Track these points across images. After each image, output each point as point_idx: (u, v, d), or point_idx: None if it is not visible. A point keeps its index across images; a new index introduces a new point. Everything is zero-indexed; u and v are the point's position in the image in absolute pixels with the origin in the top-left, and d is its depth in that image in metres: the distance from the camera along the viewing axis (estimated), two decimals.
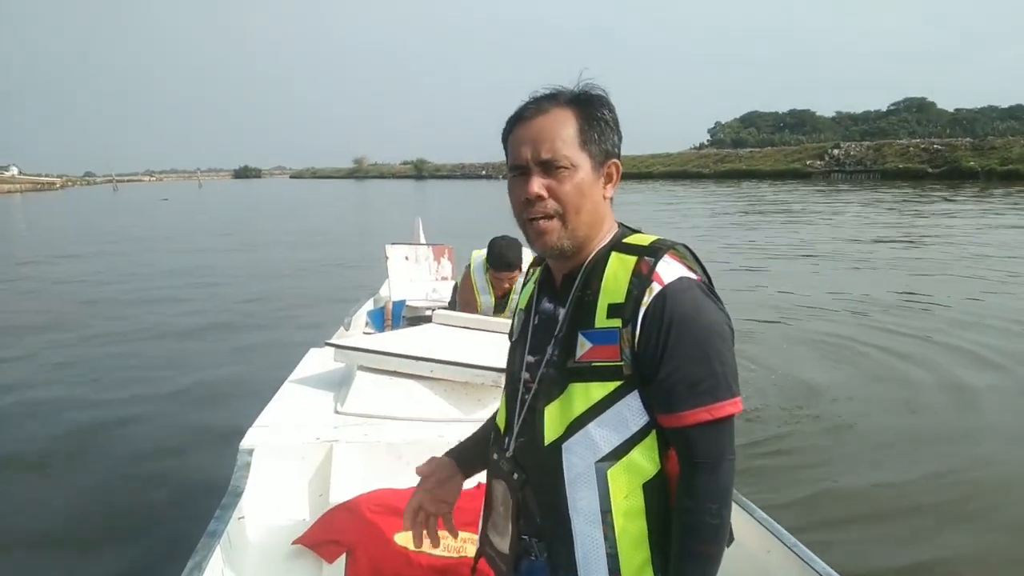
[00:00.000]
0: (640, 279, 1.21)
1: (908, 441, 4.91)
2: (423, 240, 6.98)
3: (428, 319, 4.02)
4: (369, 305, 5.87)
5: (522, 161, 1.28)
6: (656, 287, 1.20)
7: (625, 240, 1.30)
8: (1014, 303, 8.99)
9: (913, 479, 4.38)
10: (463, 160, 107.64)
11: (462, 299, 4.49)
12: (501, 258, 4.18)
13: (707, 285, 1.26)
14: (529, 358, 1.36)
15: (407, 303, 5.29)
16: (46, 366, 7.40)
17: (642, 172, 64.18)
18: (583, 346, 1.25)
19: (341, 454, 2.58)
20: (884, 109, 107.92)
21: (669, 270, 1.22)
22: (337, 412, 2.91)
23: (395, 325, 5.09)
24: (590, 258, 1.30)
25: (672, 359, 1.18)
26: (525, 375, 1.36)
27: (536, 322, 1.38)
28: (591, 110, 1.30)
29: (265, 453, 2.55)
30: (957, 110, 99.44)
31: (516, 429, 1.36)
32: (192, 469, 4.57)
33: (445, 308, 4.76)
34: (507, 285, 4.29)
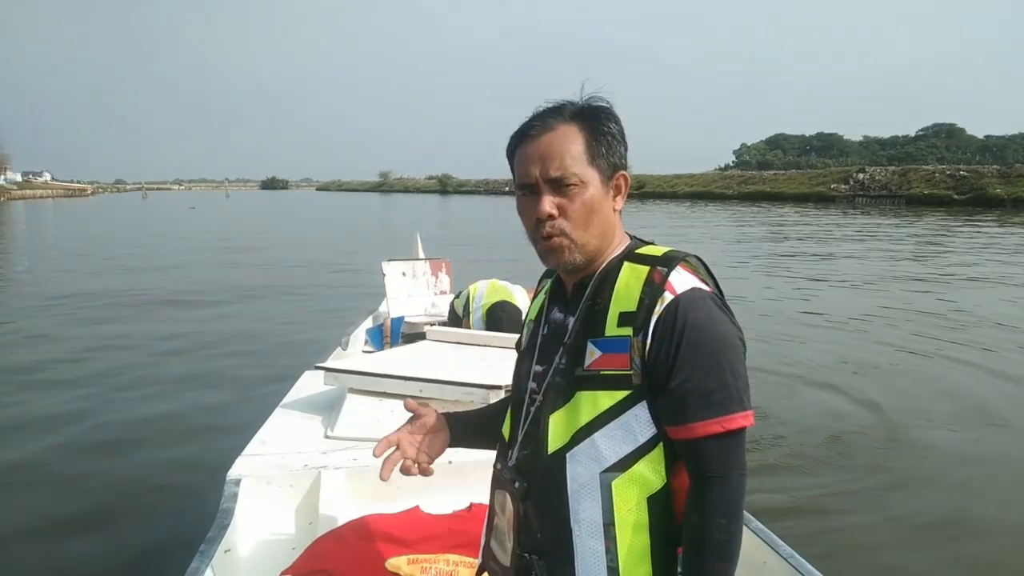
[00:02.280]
0: (652, 288, 1.21)
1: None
2: (422, 255, 6.89)
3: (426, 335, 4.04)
4: (368, 323, 5.84)
5: (531, 180, 1.27)
6: (668, 296, 1.19)
7: (638, 251, 1.29)
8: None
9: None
10: (487, 176, 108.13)
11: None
12: (498, 325, 4.29)
13: (719, 298, 1.25)
14: (537, 368, 1.35)
15: (406, 319, 5.30)
16: (23, 384, 6.99)
17: (666, 191, 64.09)
18: (592, 354, 1.24)
19: (329, 480, 2.52)
20: (912, 134, 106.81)
21: (682, 280, 1.21)
22: (327, 437, 2.86)
23: (394, 342, 5.09)
24: (602, 268, 1.30)
25: (684, 369, 1.17)
26: (532, 385, 1.35)
27: (545, 332, 1.37)
28: (597, 124, 1.29)
29: (253, 482, 2.49)
30: (987, 136, 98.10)
31: (520, 440, 1.35)
32: (180, 502, 4.33)
33: (444, 322, 4.86)
34: None
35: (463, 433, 1.57)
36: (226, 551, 2.18)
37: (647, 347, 1.19)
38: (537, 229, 1.28)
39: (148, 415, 6.05)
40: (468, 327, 4.45)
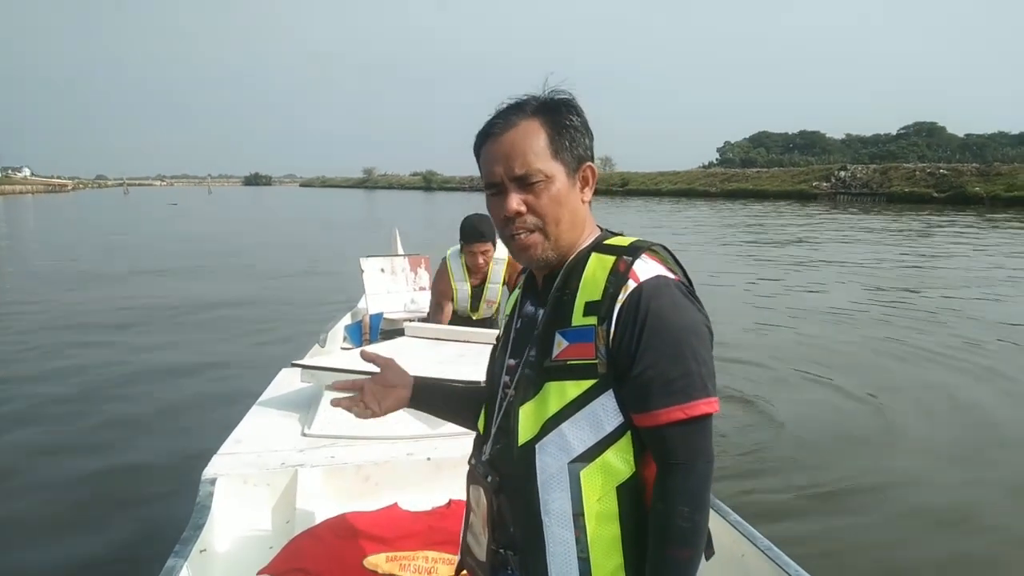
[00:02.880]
0: (617, 277, 1.21)
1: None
2: (400, 251, 6.88)
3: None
4: (347, 320, 5.85)
5: (496, 179, 1.29)
6: (632, 284, 1.20)
7: (606, 242, 1.30)
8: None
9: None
10: (472, 173, 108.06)
11: (438, 289, 4.51)
12: (472, 228, 4.23)
13: (686, 286, 1.26)
14: (510, 361, 1.36)
15: (385, 316, 5.28)
16: None
17: (650, 189, 64.11)
18: (559, 344, 1.25)
19: (306, 479, 2.52)
20: (894, 133, 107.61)
21: (646, 268, 1.22)
22: (304, 435, 2.85)
23: (373, 338, 5.08)
24: (571, 259, 1.30)
25: (647, 356, 1.17)
26: (505, 379, 1.36)
27: (519, 325, 1.39)
28: (559, 118, 1.29)
29: (229, 481, 2.47)
30: (967, 135, 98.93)
31: (493, 434, 1.36)
32: (156, 502, 4.28)
33: (423, 318, 4.82)
34: (481, 261, 4.30)
35: (425, 397, 1.63)
36: (202, 551, 2.17)
37: (611, 335, 1.20)
38: (506, 227, 1.30)
39: (121, 414, 5.97)
40: (448, 274, 4.43)
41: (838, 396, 6.35)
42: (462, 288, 4.47)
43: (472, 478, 1.43)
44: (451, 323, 4.37)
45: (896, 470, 4.79)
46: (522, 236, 1.28)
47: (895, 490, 4.50)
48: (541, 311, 1.33)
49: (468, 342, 3.53)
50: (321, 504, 2.46)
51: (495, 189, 1.30)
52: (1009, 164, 44.55)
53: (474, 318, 4.60)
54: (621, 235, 1.36)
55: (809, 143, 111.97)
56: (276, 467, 2.57)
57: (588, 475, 1.21)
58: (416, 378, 1.65)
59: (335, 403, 1.66)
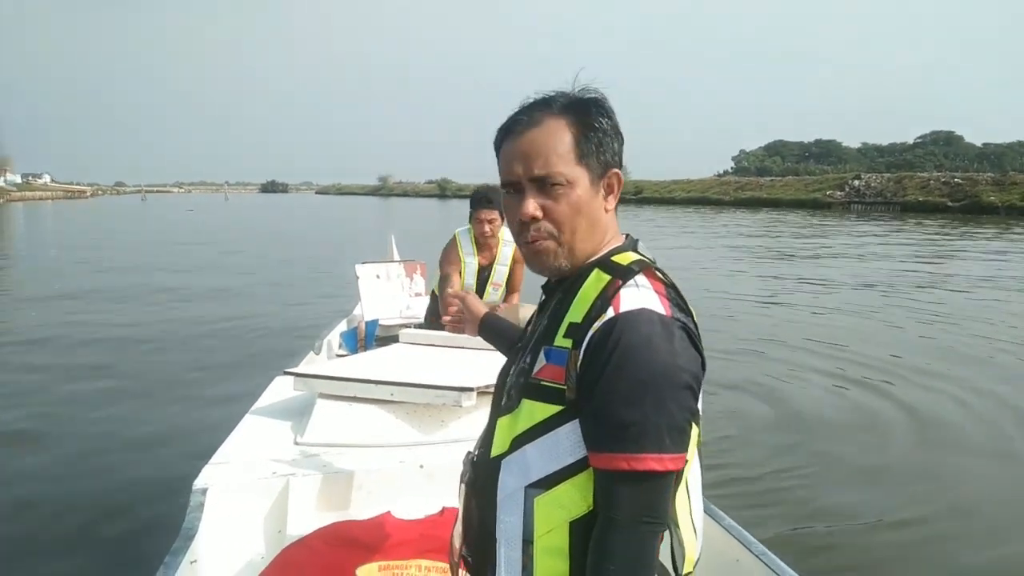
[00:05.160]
0: (603, 301, 1.13)
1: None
2: (397, 257, 6.74)
3: None
4: (343, 326, 5.78)
5: (514, 177, 1.21)
6: (610, 312, 1.10)
7: (613, 258, 1.21)
8: None
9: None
10: (487, 181, 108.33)
11: (447, 260, 4.41)
12: (480, 195, 4.19)
13: (682, 325, 1.13)
14: (512, 366, 1.30)
15: (380, 322, 5.24)
16: None
17: (664, 197, 64.20)
18: (540, 362, 1.18)
19: (298, 488, 2.48)
20: (911, 142, 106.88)
21: (633, 297, 1.12)
22: (296, 443, 2.80)
23: (368, 345, 5.03)
24: (577, 271, 1.22)
25: (604, 392, 1.07)
26: (508, 382, 1.30)
27: (529, 331, 1.34)
28: (587, 119, 1.21)
29: (220, 491, 2.42)
30: (985, 144, 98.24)
31: (482, 435, 1.34)
32: (146, 512, 4.20)
33: (419, 324, 4.78)
34: (487, 229, 4.24)
35: (491, 328, 1.83)
36: (192, 562, 2.15)
37: (579, 362, 1.12)
38: (521, 232, 1.22)
39: (113, 423, 5.88)
40: (457, 247, 4.38)
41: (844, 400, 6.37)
42: (470, 262, 4.38)
43: (462, 476, 1.39)
44: None
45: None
46: (536, 243, 1.21)
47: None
48: (544, 321, 1.26)
49: (463, 348, 3.48)
50: (313, 513, 2.45)
51: (512, 188, 1.23)
52: None
53: None
54: (635, 252, 1.25)
55: (825, 152, 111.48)
56: (268, 476, 2.53)
57: (542, 504, 1.14)
58: (485, 315, 1.85)
59: (446, 321, 1.96)
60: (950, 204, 40.31)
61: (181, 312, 11.10)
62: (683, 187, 66.97)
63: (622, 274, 1.16)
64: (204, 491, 2.41)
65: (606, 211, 1.24)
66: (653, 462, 1.06)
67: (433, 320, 4.66)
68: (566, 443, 1.13)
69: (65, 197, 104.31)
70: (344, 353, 5.02)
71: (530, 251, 1.23)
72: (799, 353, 8.31)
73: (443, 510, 2.46)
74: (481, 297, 4.51)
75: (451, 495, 2.47)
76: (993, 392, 6.80)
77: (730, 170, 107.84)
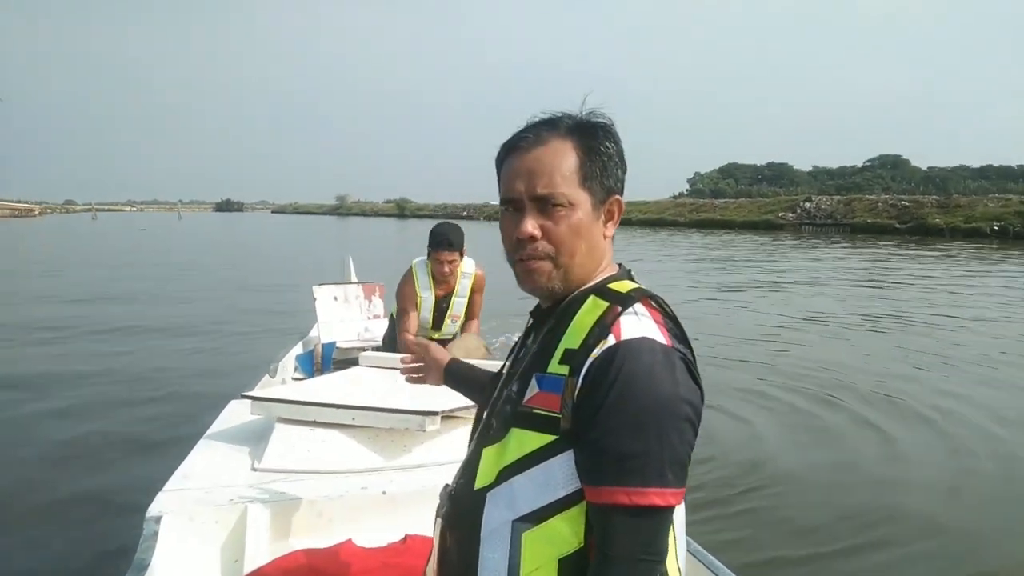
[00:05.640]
0: (602, 328, 1.11)
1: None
2: (354, 278, 6.72)
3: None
4: (298, 349, 5.67)
5: (515, 195, 1.20)
6: (611, 340, 1.08)
7: (610, 285, 1.20)
8: None
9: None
10: (445, 201, 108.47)
11: (403, 294, 4.40)
12: (441, 236, 4.16)
13: (681, 355, 1.12)
14: (496, 394, 1.27)
15: (337, 345, 5.19)
16: None
17: (622, 218, 64.15)
18: (532, 389, 1.15)
19: (256, 515, 2.42)
20: (860, 165, 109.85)
21: (634, 326, 1.10)
22: (254, 469, 2.75)
23: (326, 368, 4.98)
24: (570, 298, 1.21)
25: (604, 423, 1.04)
26: (487, 411, 1.28)
27: (519, 355, 1.30)
28: (594, 142, 1.20)
29: (174, 519, 2.37)
30: (930, 168, 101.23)
31: (463, 465, 1.29)
32: (97, 542, 4.04)
33: (377, 347, 4.75)
34: (447, 270, 4.22)
35: (457, 376, 1.82)
36: None
37: (577, 390, 1.09)
38: (516, 250, 1.21)
39: (59, 447, 5.64)
40: (413, 280, 4.37)
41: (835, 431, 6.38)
42: (427, 297, 4.36)
43: (438, 509, 1.35)
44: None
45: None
46: (531, 263, 1.20)
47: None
48: (533, 347, 1.23)
49: None
50: (272, 541, 2.40)
51: (512, 206, 1.21)
52: (968, 196, 45.69)
53: (435, 337, 4.44)
54: (630, 280, 1.25)
55: (777, 175, 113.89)
56: (224, 503, 2.47)
57: (530, 539, 1.10)
58: (449, 361, 1.85)
59: (405, 371, 1.97)
60: (898, 226, 41.47)
61: (130, 333, 10.76)
62: (639, 208, 67.71)
63: (621, 302, 1.15)
64: (158, 519, 2.35)
65: (605, 237, 1.24)
66: (656, 497, 1.03)
67: (392, 344, 4.64)
68: (559, 475, 1.10)
69: (12, 215, 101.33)
70: (300, 376, 4.95)
71: (523, 269, 1.22)
72: (756, 368, 8.44)
73: (406, 537, 2.44)
74: (437, 333, 4.47)
75: (414, 522, 2.46)
76: (967, 399, 7.02)
77: (685, 192, 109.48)
